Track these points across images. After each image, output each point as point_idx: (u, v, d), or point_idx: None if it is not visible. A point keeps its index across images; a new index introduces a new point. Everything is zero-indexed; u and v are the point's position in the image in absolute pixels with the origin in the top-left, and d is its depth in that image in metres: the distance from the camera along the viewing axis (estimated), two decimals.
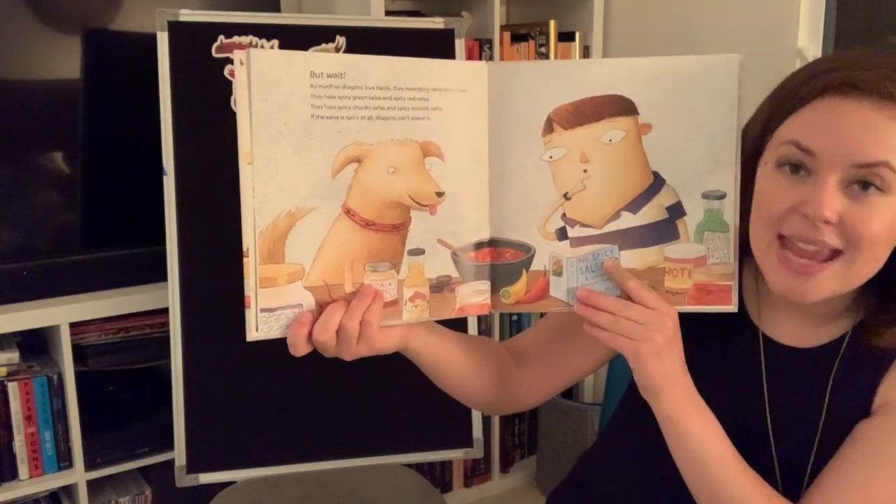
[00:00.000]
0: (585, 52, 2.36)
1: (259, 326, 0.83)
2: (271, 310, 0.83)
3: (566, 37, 2.35)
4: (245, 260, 0.82)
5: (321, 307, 0.85)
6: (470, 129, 0.89)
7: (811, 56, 1.97)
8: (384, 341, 0.87)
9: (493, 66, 0.89)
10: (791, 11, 1.96)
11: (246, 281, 0.82)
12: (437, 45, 1.80)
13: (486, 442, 2.34)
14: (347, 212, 0.85)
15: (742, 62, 0.87)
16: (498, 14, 2.18)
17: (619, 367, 1.41)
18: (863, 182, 0.80)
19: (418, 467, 1.81)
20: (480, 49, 2.17)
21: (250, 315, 0.82)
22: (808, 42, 1.98)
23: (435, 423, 1.83)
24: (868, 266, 0.84)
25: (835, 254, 0.83)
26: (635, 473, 1.03)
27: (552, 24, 2.30)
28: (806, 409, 0.92)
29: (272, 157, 0.81)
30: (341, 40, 1.73)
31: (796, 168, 0.83)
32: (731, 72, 0.87)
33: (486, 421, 2.33)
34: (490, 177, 0.90)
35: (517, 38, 2.31)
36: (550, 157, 0.90)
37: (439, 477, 2.38)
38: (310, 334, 0.84)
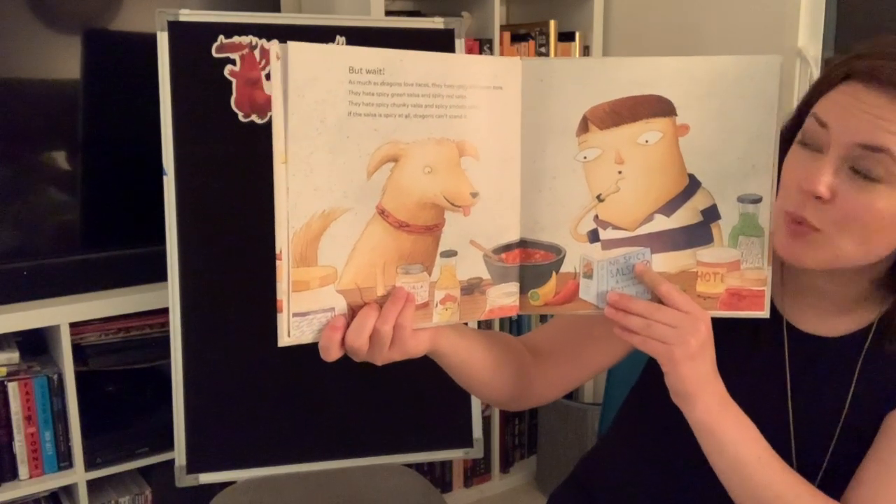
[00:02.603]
0: (585, 53, 2.36)
1: (291, 331, 0.80)
2: (303, 314, 0.80)
3: (566, 37, 2.35)
4: (278, 263, 0.78)
5: (353, 311, 0.82)
6: (503, 127, 0.86)
7: (811, 56, 1.96)
8: (416, 345, 0.85)
9: (527, 63, 0.86)
10: (791, 11, 1.95)
11: (278, 285, 0.79)
12: (437, 45, 1.79)
13: (486, 442, 2.34)
14: (381, 213, 0.82)
15: (783, 65, 0.85)
16: (498, 14, 2.17)
17: (619, 368, 1.41)
18: (857, 167, 0.81)
19: (418, 467, 1.81)
20: (480, 49, 2.17)
21: (282, 320, 0.79)
22: (808, 42, 1.98)
23: (435, 423, 1.82)
24: (857, 249, 0.83)
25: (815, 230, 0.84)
26: (641, 476, 1.02)
27: (552, 24, 2.30)
28: (829, 400, 0.91)
29: (307, 156, 0.78)
30: (341, 40, 1.72)
31: (814, 145, 0.84)
32: (772, 74, 0.85)
33: (486, 421, 2.34)
34: (522, 177, 0.88)
35: (517, 38, 2.30)
36: (584, 158, 0.87)
37: (439, 477, 2.37)
38: (342, 339, 0.82)
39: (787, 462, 0.91)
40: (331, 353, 0.82)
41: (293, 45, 0.75)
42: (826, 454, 0.91)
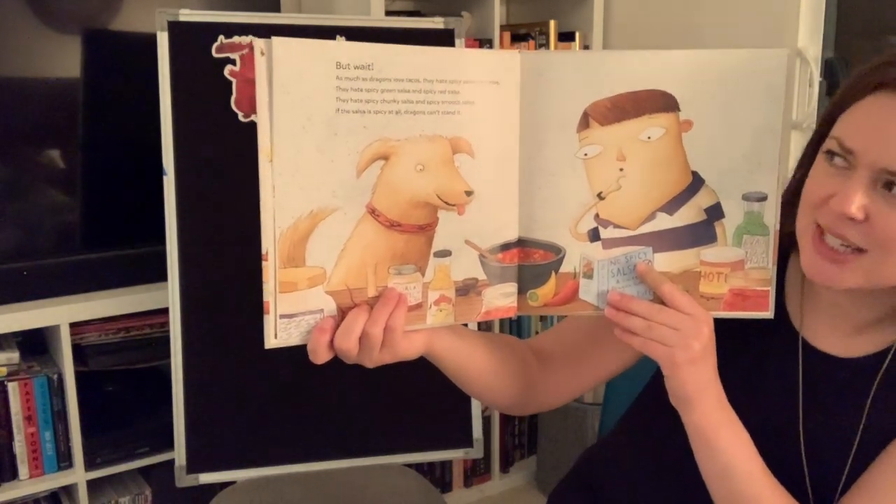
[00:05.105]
0: None
1: (278, 333, 0.77)
2: (291, 316, 0.78)
3: (566, 37, 2.34)
4: (264, 264, 0.76)
5: (343, 312, 0.80)
6: (501, 123, 0.83)
7: (811, 56, 1.96)
8: (408, 348, 0.82)
9: (526, 56, 0.82)
10: (791, 11, 1.95)
11: (265, 286, 0.76)
12: (437, 46, 1.79)
13: (486, 442, 2.33)
14: (372, 212, 0.79)
15: (790, 57, 0.81)
16: (498, 14, 2.16)
17: None
18: (889, 183, 0.76)
19: (418, 467, 1.81)
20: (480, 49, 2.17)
21: (269, 321, 0.77)
22: (808, 42, 1.97)
23: (435, 423, 1.82)
24: None
25: (861, 251, 0.79)
26: (648, 477, 1.00)
27: (552, 24, 2.29)
28: (842, 422, 0.87)
29: (294, 154, 0.75)
30: (341, 40, 1.72)
31: (840, 159, 0.79)
32: (779, 68, 0.81)
33: (486, 421, 2.33)
34: (520, 174, 0.84)
35: (517, 38, 2.29)
36: (585, 155, 0.84)
37: (439, 477, 2.36)
38: (331, 341, 0.79)
39: (801, 485, 0.88)
40: (319, 356, 0.79)
41: (277, 41, 0.73)
42: (841, 478, 0.87)
